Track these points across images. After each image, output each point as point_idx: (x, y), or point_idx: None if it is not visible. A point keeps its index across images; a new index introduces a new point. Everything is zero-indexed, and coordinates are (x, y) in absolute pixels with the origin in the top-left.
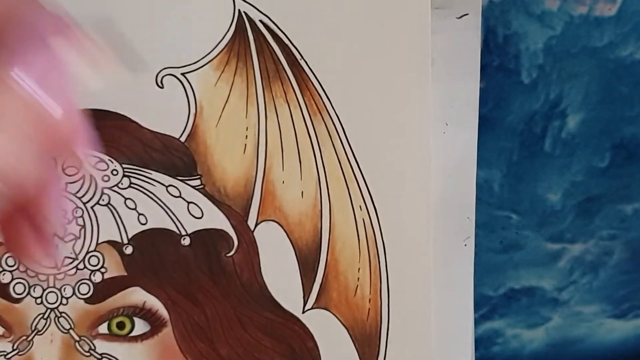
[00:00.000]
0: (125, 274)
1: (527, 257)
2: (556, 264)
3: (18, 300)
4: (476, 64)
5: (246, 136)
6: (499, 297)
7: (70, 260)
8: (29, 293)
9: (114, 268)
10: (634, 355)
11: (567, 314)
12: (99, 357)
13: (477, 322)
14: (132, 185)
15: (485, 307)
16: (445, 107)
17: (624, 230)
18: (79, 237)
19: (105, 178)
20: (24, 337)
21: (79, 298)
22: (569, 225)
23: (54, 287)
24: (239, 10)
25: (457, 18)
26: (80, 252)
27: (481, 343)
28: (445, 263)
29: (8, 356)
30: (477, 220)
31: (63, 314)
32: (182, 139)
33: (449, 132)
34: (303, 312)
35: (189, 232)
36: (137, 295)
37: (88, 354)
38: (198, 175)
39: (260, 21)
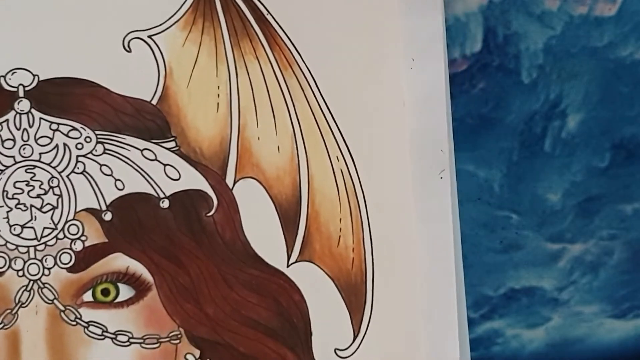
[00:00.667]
0: (106, 240)
1: (527, 257)
2: (556, 264)
3: None
4: None
5: (218, 95)
6: (499, 297)
7: (50, 230)
8: (10, 266)
9: (95, 235)
10: (634, 355)
11: (567, 314)
12: (86, 325)
13: (477, 322)
14: (106, 151)
15: (485, 307)
16: (410, 42)
17: (624, 230)
18: (57, 207)
19: (79, 146)
20: (9, 311)
21: (61, 268)
22: (569, 225)
23: (35, 258)
24: None
25: None
26: (59, 221)
27: (481, 343)
28: (422, 197)
29: None
30: (477, 221)
31: (46, 285)
32: (154, 102)
33: (416, 66)
34: (287, 266)
35: (167, 194)
36: (119, 261)
37: (74, 322)
38: (172, 137)
39: None
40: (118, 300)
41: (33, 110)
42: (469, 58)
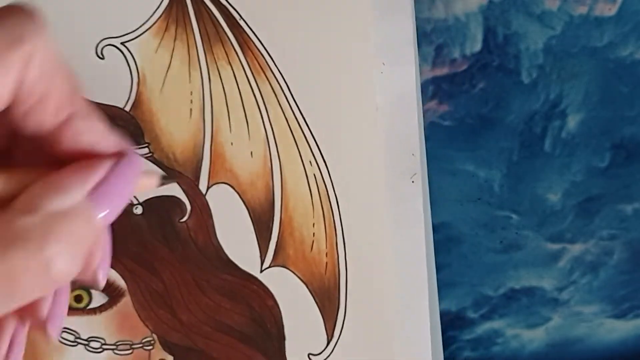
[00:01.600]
0: None
1: (527, 257)
2: (556, 264)
3: None
4: (409, 1)
5: (191, 100)
6: (499, 297)
7: None
8: None
9: None
10: (634, 355)
11: (567, 314)
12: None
13: (477, 322)
14: None
15: (485, 307)
16: (381, 46)
17: (624, 230)
18: None
19: None
20: None
21: None
22: (569, 225)
23: None
24: None
25: None
26: None
27: (481, 343)
28: (395, 201)
29: None
30: (478, 221)
31: None
32: (127, 109)
33: (387, 71)
34: (261, 272)
35: (141, 200)
36: None
37: None
38: (146, 143)
39: None
40: (91, 306)
41: None
42: (469, 58)
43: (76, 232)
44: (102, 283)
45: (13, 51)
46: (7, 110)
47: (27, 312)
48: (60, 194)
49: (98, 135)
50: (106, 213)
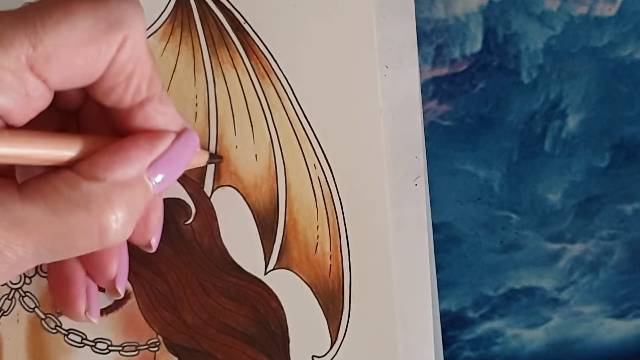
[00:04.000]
0: None
1: (527, 257)
2: (556, 264)
3: None
4: (411, 3)
5: (196, 104)
6: (499, 297)
7: None
8: None
9: None
10: (634, 355)
11: (567, 314)
12: (66, 333)
13: (477, 322)
14: None
15: (485, 307)
16: (383, 49)
17: (624, 230)
18: None
19: None
20: None
21: (42, 276)
22: (569, 225)
23: None
24: None
25: None
26: None
27: (481, 343)
28: (398, 204)
29: None
30: (477, 221)
31: (27, 293)
32: None
33: (390, 74)
34: (265, 274)
35: None
36: None
37: (55, 330)
38: None
39: None
40: None
41: None
42: (469, 58)
43: (134, 201)
44: (155, 247)
45: (112, 33)
46: (93, 84)
47: (99, 273)
48: (125, 166)
49: (168, 118)
50: (161, 184)
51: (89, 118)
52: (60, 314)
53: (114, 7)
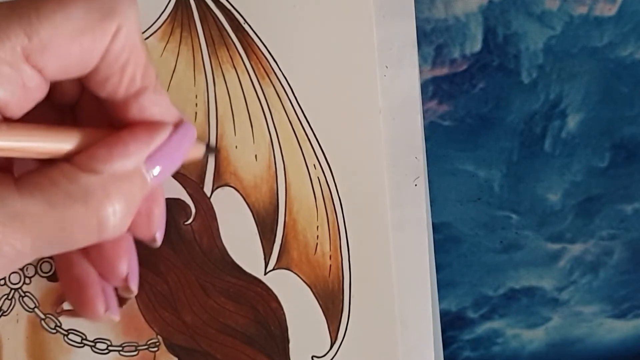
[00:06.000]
0: None
1: (527, 257)
2: (556, 264)
3: None
4: (411, 3)
5: (196, 104)
6: (499, 297)
7: None
8: None
9: None
10: (634, 355)
11: (567, 314)
12: (66, 333)
13: (477, 322)
14: None
15: (485, 307)
16: (383, 49)
17: (624, 230)
18: None
19: None
20: None
21: (42, 276)
22: (569, 225)
23: None
24: None
25: None
26: None
27: (481, 343)
28: (398, 204)
29: None
30: (477, 221)
31: (27, 293)
32: None
33: (390, 74)
34: (265, 274)
35: None
36: None
37: (54, 330)
38: None
39: None
40: None
41: None
42: (469, 58)
43: (131, 193)
44: (159, 242)
45: (106, 22)
46: (88, 74)
47: (110, 273)
48: (124, 158)
49: (163, 109)
50: (159, 177)
51: (85, 112)
52: (60, 314)
53: None
